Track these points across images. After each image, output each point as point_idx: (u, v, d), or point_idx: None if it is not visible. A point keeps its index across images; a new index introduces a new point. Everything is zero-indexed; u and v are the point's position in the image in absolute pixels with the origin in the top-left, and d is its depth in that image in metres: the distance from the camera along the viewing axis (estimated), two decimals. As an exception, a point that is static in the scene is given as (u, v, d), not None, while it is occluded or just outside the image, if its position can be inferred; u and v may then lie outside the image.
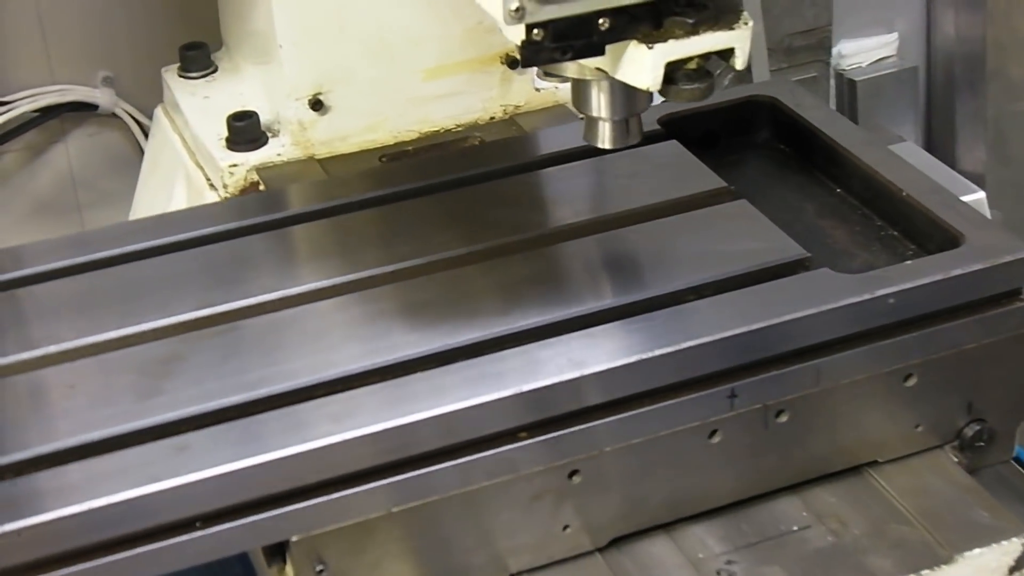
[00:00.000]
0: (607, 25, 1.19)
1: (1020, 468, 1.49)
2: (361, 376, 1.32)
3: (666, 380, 1.33)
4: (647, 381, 1.32)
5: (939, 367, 1.41)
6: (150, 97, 1.99)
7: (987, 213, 1.63)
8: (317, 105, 1.74)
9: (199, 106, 1.85)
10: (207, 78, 1.89)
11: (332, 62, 1.74)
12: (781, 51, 2.63)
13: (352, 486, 1.26)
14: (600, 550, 1.37)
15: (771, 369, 1.35)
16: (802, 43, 2.65)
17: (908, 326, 1.39)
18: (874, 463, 1.45)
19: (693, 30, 1.21)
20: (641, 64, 1.21)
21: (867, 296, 1.36)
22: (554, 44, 1.17)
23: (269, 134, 1.77)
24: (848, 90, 2.75)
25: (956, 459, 1.46)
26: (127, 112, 2.20)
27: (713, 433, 1.36)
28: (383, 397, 1.29)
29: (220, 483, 1.22)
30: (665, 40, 1.21)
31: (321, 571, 1.27)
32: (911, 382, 1.41)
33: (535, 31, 1.17)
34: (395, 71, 1.75)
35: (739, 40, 1.23)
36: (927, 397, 1.43)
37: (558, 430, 1.31)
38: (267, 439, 1.25)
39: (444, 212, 1.57)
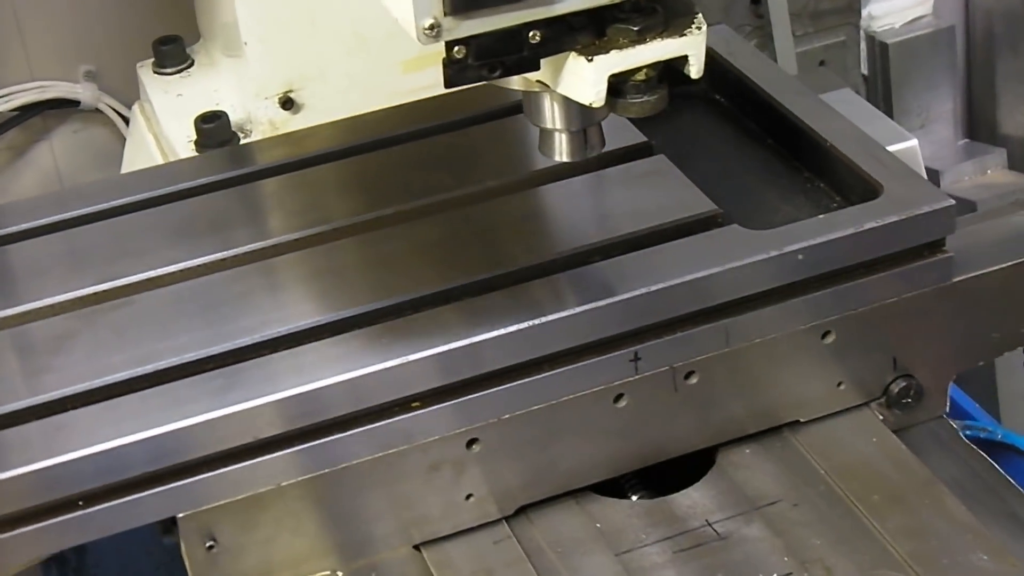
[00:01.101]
0: (539, 38, 1.06)
1: (952, 424, 1.43)
2: (255, 347, 1.27)
3: (566, 344, 1.28)
4: (546, 345, 1.27)
5: (859, 323, 1.36)
6: (133, 90, 1.92)
7: (920, 163, 1.57)
8: (288, 104, 1.69)
9: (171, 105, 1.79)
10: (182, 74, 1.83)
11: (303, 58, 1.69)
12: (807, 15, 2.49)
13: (240, 460, 1.22)
14: (507, 519, 1.32)
15: (676, 330, 1.30)
16: (829, 5, 2.50)
17: (822, 281, 1.33)
18: (795, 423, 1.39)
19: (639, 38, 1.08)
20: (582, 78, 1.09)
21: (775, 252, 1.31)
22: (480, 61, 1.05)
23: (241, 134, 1.71)
24: (880, 53, 2.59)
25: (882, 417, 1.40)
26: (110, 107, 2.13)
27: (619, 397, 1.31)
28: (274, 368, 1.24)
29: (98, 461, 1.18)
30: (607, 51, 1.08)
31: (211, 547, 1.24)
32: (830, 339, 1.36)
33: (456, 48, 1.04)
34: (372, 65, 1.69)
35: (692, 47, 1.10)
36: (848, 354, 1.37)
37: (454, 398, 1.26)
38: (149, 415, 1.20)
39: (362, 174, 1.51)
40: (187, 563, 1.26)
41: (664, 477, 1.38)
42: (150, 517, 1.22)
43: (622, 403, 1.32)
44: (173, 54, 1.83)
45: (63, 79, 2.12)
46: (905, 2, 2.60)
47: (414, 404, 1.26)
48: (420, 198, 1.46)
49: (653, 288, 1.29)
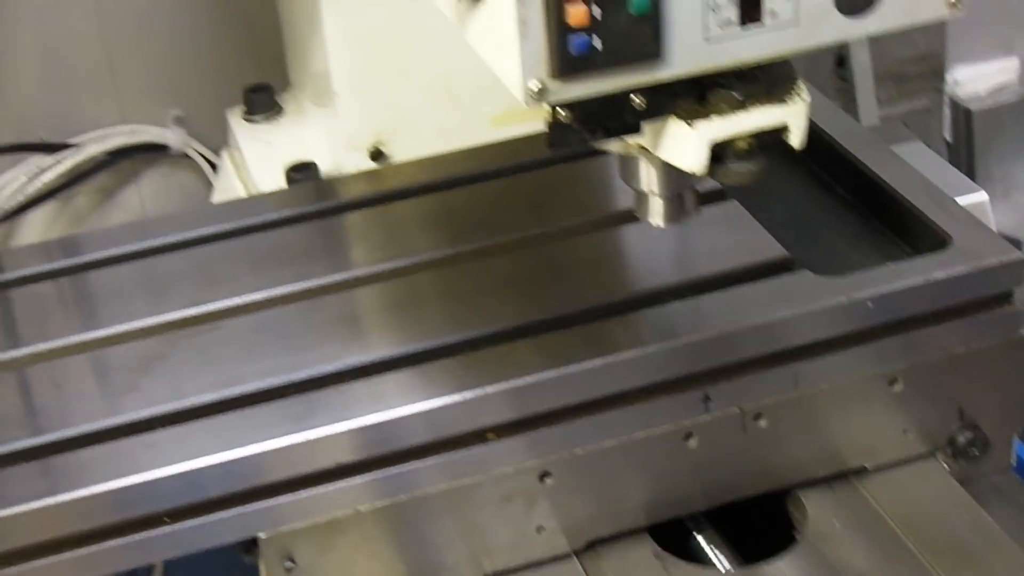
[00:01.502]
0: (642, 103, 1.05)
1: (1020, 478, 1.44)
2: (335, 375, 1.29)
3: (638, 382, 1.30)
4: (619, 383, 1.29)
5: (926, 372, 1.37)
6: (222, 135, 1.94)
7: (989, 216, 1.59)
8: (377, 155, 1.68)
9: (260, 153, 1.80)
10: (271, 121, 1.84)
11: (393, 109, 1.69)
12: (891, 79, 2.47)
13: (319, 485, 1.25)
14: (577, 553, 1.34)
15: (746, 373, 1.32)
16: (914, 70, 2.49)
17: (890, 330, 1.35)
18: (862, 469, 1.41)
19: (741, 105, 1.07)
20: (683, 144, 1.08)
21: (844, 299, 1.33)
22: (583, 125, 1.04)
23: (331, 184, 1.79)
24: (964, 120, 2.57)
25: (948, 467, 1.41)
26: (198, 152, 2.14)
27: (689, 436, 1.33)
28: (353, 396, 1.26)
29: (185, 480, 1.21)
30: (709, 117, 1.07)
31: (291, 568, 1.26)
32: (897, 387, 1.37)
33: (561, 112, 1.04)
34: (461, 118, 1.68)
35: (794, 116, 1.09)
36: (914, 402, 1.38)
37: (528, 431, 1.28)
38: (233, 437, 1.23)
39: (443, 210, 1.55)
40: None
41: (733, 522, 1.39)
42: (233, 536, 1.25)
43: (692, 442, 1.33)
44: (263, 101, 1.85)
45: (153, 123, 2.13)
46: (991, 68, 2.59)
47: (489, 436, 1.28)
48: (499, 235, 1.49)
49: (724, 330, 1.31)
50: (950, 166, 1.67)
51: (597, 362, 1.29)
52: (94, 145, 2.09)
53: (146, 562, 1.26)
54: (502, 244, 1.48)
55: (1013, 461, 1.46)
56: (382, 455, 1.27)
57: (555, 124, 1.04)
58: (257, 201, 1.67)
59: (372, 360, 1.32)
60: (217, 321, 1.41)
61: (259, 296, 1.43)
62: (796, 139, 1.10)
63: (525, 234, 1.50)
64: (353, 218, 1.57)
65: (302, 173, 1.70)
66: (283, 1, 1.86)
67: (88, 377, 1.37)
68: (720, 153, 1.08)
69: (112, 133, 2.11)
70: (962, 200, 1.49)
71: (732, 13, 0.99)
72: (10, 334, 1.44)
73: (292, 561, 1.27)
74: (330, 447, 1.25)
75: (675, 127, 1.07)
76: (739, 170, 1.09)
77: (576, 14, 0.95)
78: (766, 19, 1.00)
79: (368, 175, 1.67)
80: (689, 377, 1.31)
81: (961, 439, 1.41)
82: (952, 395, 1.40)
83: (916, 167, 1.52)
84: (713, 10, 0.99)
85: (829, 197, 1.57)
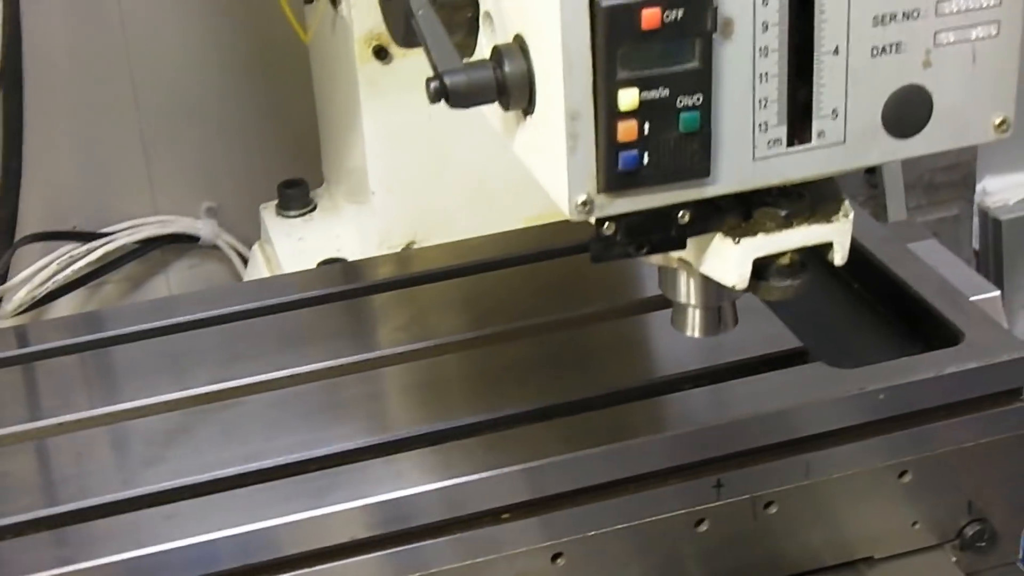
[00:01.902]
0: (688, 218, 1.03)
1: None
2: (355, 452, 1.31)
3: (652, 466, 1.30)
4: (633, 467, 1.30)
5: (936, 465, 1.38)
6: (252, 228, 1.98)
7: (1002, 313, 1.61)
8: None
9: (292, 248, 1.83)
10: (304, 217, 1.88)
11: (428, 209, 1.72)
12: (920, 187, 2.49)
13: (337, 559, 1.24)
14: None
15: (759, 461, 1.33)
16: (944, 179, 2.50)
17: (901, 422, 1.36)
18: (869, 559, 1.41)
19: (786, 223, 1.05)
20: (726, 260, 1.06)
21: (856, 390, 1.34)
22: (628, 239, 1.03)
23: (363, 281, 1.80)
24: (993, 230, 2.58)
25: (955, 558, 1.42)
26: (228, 244, 2.18)
27: (700, 522, 1.33)
28: (372, 473, 1.28)
29: (202, 551, 1.21)
30: (754, 233, 1.05)
31: None
32: (906, 478, 1.38)
33: (606, 225, 1.02)
34: (495, 218, 1.71)
35: (838, 234, 1.07)
36: (923, 494, 1.39)
37: (542, 512, 1.28)
38: (254, 510, 1.24)
39: (467, 294, 1.56)
40: None
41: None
42: None
43: (703, 527, 1.33)
44: (297, 197, 1.88)
45: (185, 214, 2.17)
46: (1020, 179, 2.60)
47: (504, 516, 1.29)
48: (523, 319, 1.50)
49: (738, 418, 1.32)
50: (963, 263, 1.70)
51: (612, 446, 1.30)
52: (126, 235, 2.12)
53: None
54: (525, 328, 1.50)
55: (1021, 554, 1.46)
56: (399, 531, 1.26)
57: (599, 237, 1.03)
58: (283, 281, 1.68)
59: (392, 439, 1.33)
60: (240, 397, 1.41)
61: (283, 373, 1.44)
62: (839, 257, 1.09)
63: (548, 319, 1.51)
64: (379, 300, 1.59)
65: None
66: (321, 98, 1.90)
67: (109, 449, 1.37)
68: (762, 269, 1.07)
69: (144, 223, 2.14)
70: (975, 298, 1.50)
71: (781, 133, 0.99)
72: (33, 405, 1.45)
73: None
74: (346, 523, 1.25)
75: (719, 243, 1.06)
76: (781, 286, 1.08)
77: (626, 130, 0.95)
78: (814, 139, 1.00)
79: (395, 258, 1.69)
80: (702, 463, 1.32)
81: (969, 531, 1.41)
82: (961, 487, 1.40)
83: (931, 265, 1.53)
84: (762, 129, 0.99)
85: (845, 292, 1.58)
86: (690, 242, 1.07)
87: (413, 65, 1.56)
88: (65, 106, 2.09)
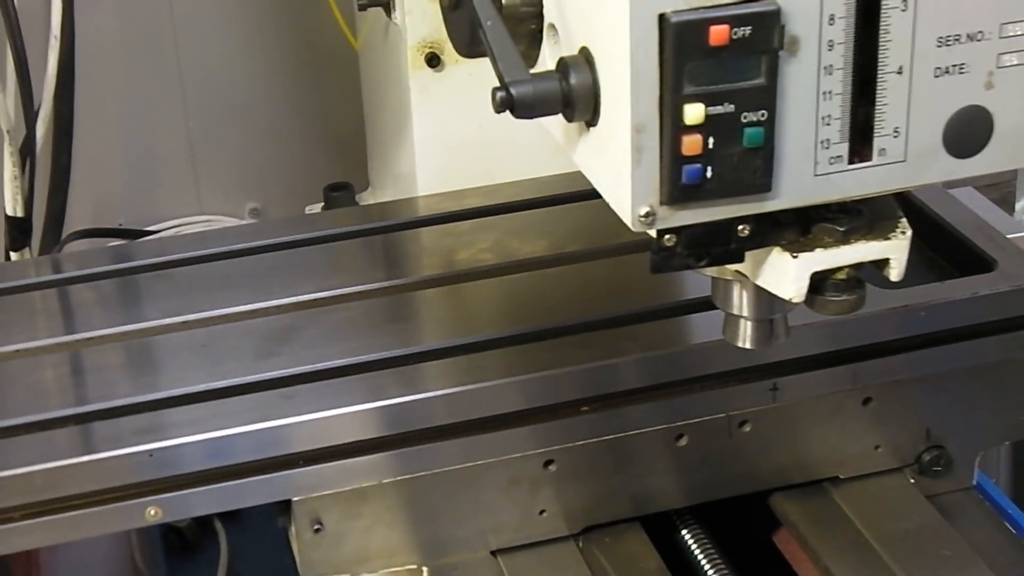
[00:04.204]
0: (747, 232, 0.99)
1: (981, 496, 1.46)
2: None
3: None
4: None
5: (897, 392, 1.40)
6: None
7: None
8: None
9: None
10: None
11: None
12: None
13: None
14: (575, 536, 1.37)
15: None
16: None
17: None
18: (835, 479, 1.42)
19: (844, 239, 1.01)
20: (784, 273, 1.02)
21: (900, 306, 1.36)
22: (688, 250, 0.99)
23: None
24: None
25: (914, 481, 1.43)
26: None
27: (679, 437, 1.35)
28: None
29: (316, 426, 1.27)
30: (812, 248, 1.01)
31: (318, 530, 1.28)
32: (871, 405, 1.39)
33: (667, 236, 0.98)
34: None
35: (895, 251, 1.03)
36: (885, 420, 1.41)
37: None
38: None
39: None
40: (295, 544, 1.30)
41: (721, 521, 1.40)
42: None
43: (682, 442, 1.35)
44: (342, 200, 1.80)
45: (229, 215, 2.12)
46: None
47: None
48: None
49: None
50: (996, 207, 1.72)
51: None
52: (171, 234, 2.06)
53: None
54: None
55: (974, 480, 1.47)
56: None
57: (660, 248, 0.98)
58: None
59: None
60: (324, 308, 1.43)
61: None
62: (895, 274, 1.03)
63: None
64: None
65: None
66: (369, 104, 1.81)
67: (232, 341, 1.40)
68: (819, 283, 1.02)
69: (189, 222, 2.09)
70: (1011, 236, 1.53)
71: (842, 150, 0.94)
72: (168, 306, 1.47)
73: (321, 524, 1.28)
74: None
75: (777, 257, 1.01)
76: (837, 300, 1.04)
77: (691, 144, 0.90)
78: (875, 157, 0.95)
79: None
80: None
81: (927, 457, 1.44)
82: (920, 416, 1.43)
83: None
84: (824, 146, 0.93)
85: None
86: (747, 255, 1.01)
87: (464, 73, 1.56)
88: (115, 105, 2.03)
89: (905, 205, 1.03)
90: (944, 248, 1.51)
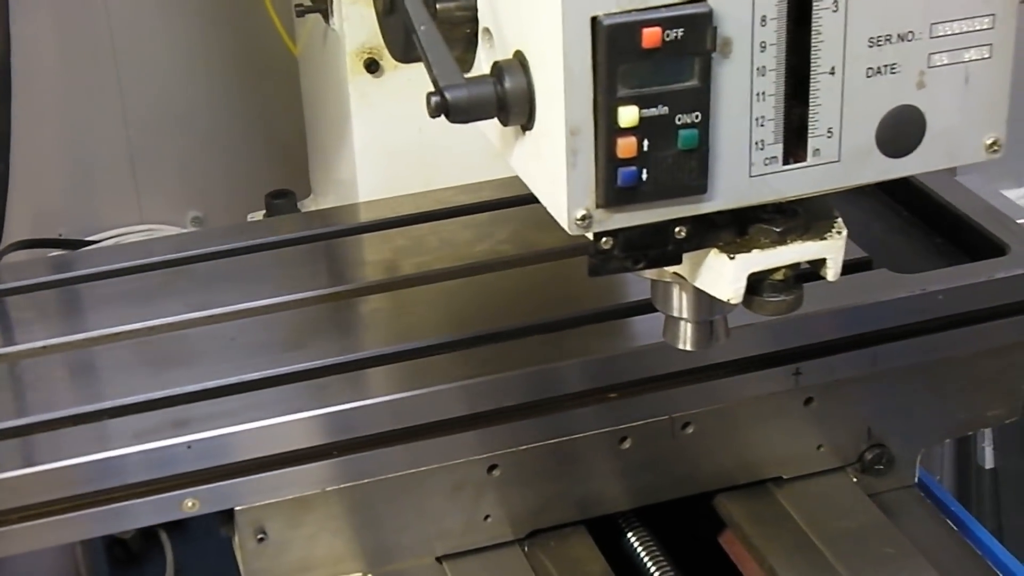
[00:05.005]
0: (684, 233, 0.99)
1: (923, 494, 1.47)
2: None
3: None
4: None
5: (837, 393, 1.41)
6: None
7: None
8: None
9: None
10: None
11: None
12: None
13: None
14: (520, 540, 1.37)
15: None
16: None
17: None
18: (778, 479, 1.43)
19: (780, 239, 1.02)
20: (721, 275, 1.03)
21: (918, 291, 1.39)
22: (625, 253, 0.99)
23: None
24: None
25: (856, 480, 1.44)
26: None
27: (623, 440, 1.35)
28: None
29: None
30: (749, 249, 1.02)
31: (262, 539, 1.28)
32: (812, 405, 1.40)
33: (604, 239, 0.98)
34: None
35: (831, 251, 1.03)
36: (827, 420, 1.42)
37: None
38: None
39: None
40: (239, 553, 1.29)
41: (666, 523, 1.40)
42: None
43: (626, 444, 1.35)
44: (283, 208, 1.78)
45: (171, 223, 2.09)
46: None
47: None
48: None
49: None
50: (1002, 194, 1.73)
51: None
52: (111, 243, 2.03)
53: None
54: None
55: (916, 478, 1.48)
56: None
57: (597, 252, 0.98)
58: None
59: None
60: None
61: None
62: (832, 273, 1.04)
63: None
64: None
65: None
66: (310, 110, 1.81)
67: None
68: (756, 284, 1.03)
69: (130, 232, 2.06)
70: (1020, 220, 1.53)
71: (777, 151, 0.94)
72: (190, 301, 1.47)
73: (264, 533, 1.28)
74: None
75: (714, 258, 1.01)
76: (774, 301, 1.04)
77: (626, 147, 0.90)
78: (809, 157, 0.95)
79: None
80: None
81: (869, 456, 1.44)
82: (861, 415, 1.44)
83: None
84: (759, 147, 0.93)
85: (895, 219, 1.62)
86: (685, 257, 1.01)
87: (404, 78, 1.56)
88: (53, 114, 2.00)
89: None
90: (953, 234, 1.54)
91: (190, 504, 1.25)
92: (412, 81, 1.48)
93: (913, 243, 1.54)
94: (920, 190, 1.56)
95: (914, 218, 1.58)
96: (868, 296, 1.36)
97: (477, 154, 1.55)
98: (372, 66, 1.56)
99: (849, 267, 1.28)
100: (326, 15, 1.59)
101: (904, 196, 1.59)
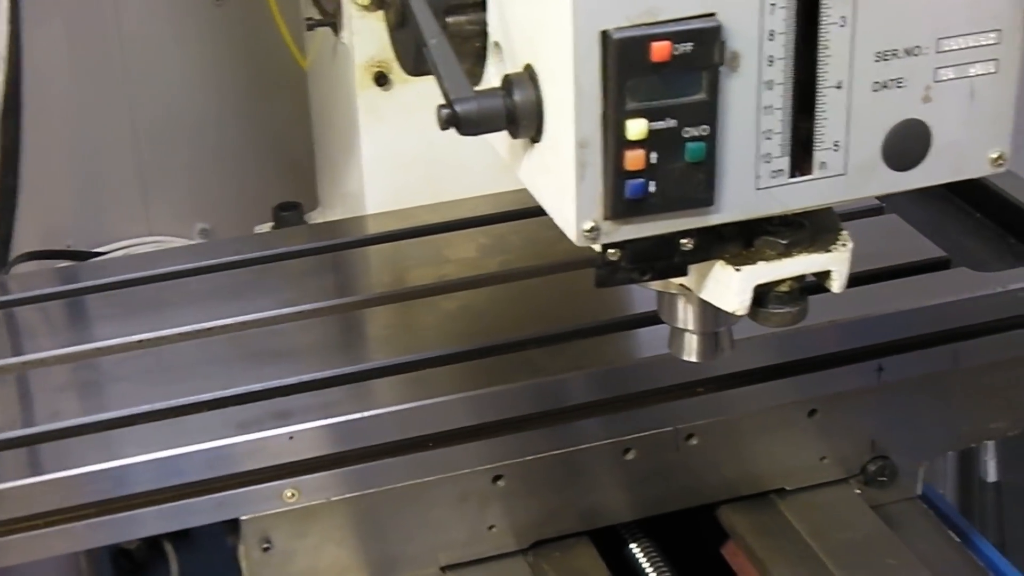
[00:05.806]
0: (691, 245, 1.00)
1: (926, 506, 1.47)
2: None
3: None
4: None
5: (841, 404, 1.42)
6: None
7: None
8: None
9: None
10: None
11: None
12: None
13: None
14: (524, 551, 1.37)
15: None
16: None
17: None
18: (782, 490, 1.43)
19: (786, 252, 1.02)
20: (727, 286, 1.03)
21: (1000, 289, 1.42)
22: (632, 264, 1.00)
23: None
24: None
25: (860, 491, 1.44)
26: None
27: (627, 451, 1.35)
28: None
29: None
30: (754, 262, 1.02)
31: (267, 548, 1.28)
32: (816, 416, 1.40)
33: (611, 251, 0.98)
34: None
35: (836, 263, 1.03)
36: (831, 432, 1.42)
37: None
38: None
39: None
40: (244, 563, 1.29)
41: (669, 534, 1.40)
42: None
43: (630, 456, 1.35)
44: (292, 220, 1.78)
45: (179, 235, 2.10)
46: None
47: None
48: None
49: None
50: None
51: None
52: (119, 255, 2.03)
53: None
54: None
55: (919, 490, 1.48)
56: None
57: (604, 263, 0.98)
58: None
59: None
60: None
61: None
62: (837, 285, 1.04)
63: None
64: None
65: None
66: (318, 123, 1.81)
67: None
68: (762, 296, 1.03)
69: (138, 243, 2.06)
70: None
71: (783, 164, 0.94)
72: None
73: (269, 543, 1.28)
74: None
75: (720, 270, 1.02)
76: (780, 312, 1.04)
77: (634, 159, 0.90)
78: (815, 170, 0.95)
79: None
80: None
81: (872, 467, 1.45)
82: (865, 427, 1.44)
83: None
84: (765, 160, 0.94)
85: (967, 220, 1.62)
86: (691, 268, 1.01)
87: (412, 92, 1.55)
88: (63, 126, 2.01)
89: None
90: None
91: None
92: (421, 94, 1.48)
93: (987, 244, 1.56)
94: (993, 191, 1.58)
95: (986, 220, 1.59)
96: (949, 294, 1.39)
97: (486, 167, 1.55)
98: (381, 79, 1.57)
99: (927, 266, 1.39)
100: (336, 28, 1.59)
101: (977, 198, 1.61)
